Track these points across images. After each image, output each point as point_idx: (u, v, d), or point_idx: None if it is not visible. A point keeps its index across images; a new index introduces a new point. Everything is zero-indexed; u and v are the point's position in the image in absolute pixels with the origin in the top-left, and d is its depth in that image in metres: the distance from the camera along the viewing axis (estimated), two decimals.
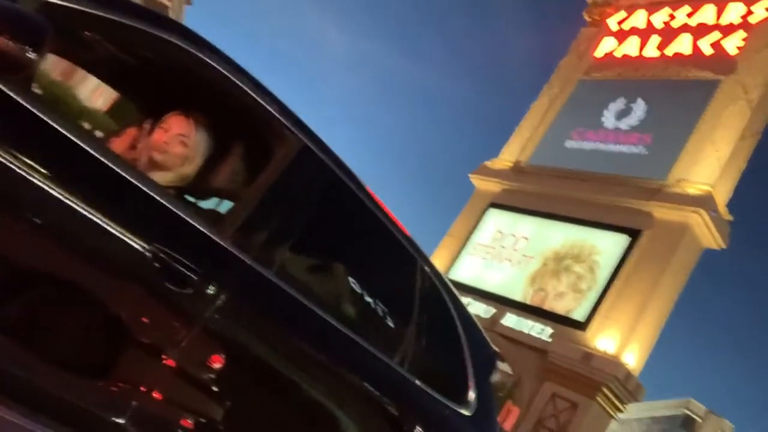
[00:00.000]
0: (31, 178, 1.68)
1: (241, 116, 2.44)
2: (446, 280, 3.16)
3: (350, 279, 2.84)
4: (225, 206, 2.60)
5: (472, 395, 3.05)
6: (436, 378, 2.94)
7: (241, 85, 2.27)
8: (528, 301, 22.94)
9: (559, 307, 22.28)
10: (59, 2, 1.82)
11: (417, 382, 2.76)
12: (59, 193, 1.73)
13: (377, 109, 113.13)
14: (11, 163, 1.64)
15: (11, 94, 1.66)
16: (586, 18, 30.16)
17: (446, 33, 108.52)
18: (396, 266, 2.95)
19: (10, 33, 1.56)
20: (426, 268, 2.98)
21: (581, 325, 21.31)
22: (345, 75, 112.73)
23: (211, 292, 2.00)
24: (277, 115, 2.37)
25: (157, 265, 1.89)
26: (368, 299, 2.78)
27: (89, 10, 1.92)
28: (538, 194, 24.71)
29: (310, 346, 2.39)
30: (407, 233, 2.91)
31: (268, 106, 2.35)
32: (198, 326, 1.99)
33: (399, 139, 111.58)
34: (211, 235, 2.06)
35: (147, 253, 1.88)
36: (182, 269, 1.94)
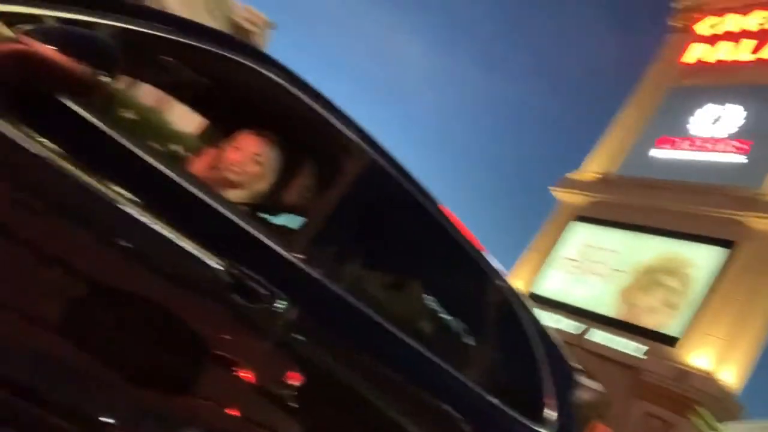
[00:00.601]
0: (107, 197, 1.77)
1: (311, 132, 2.49)
2: (520, 294, 3.10)
3: (429, 296, 2.84)
4: (296, 222, 2.65)
5: (550, 413, 2.97)
6: (513, 395, 2.88)
7: (309, 101, 2.32)
8: (618, 317, 22.24)
9: (652, 322, 21.51)
10: (133, 27, 1.92)
11: (492, 399, 2.71)
12: (134, 211, 1.81)
13: (458, 122, 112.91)
14: (87, 181, 1.74)
15: (87, 115, 1.76)
16: (673, 24, 29.22)
17: (527, 44, 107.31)
18: (468, 281, 2.92)
19: (82, 57, 1.65)
20: (499, 282, 2.93)
21: (675, 341, 20.50)
22: (425, 90, 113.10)
23: (282, 307, 2.04)
24: (345, 131, 2.41)
25: (229, 280, 1.95)
26: (442, 315, 2.77)
27: (162, 35, 2.00)
28: (627, 206, 23.99)
29: (383, 363, 2.39)
30: (480, 247, 2.88)
31: (336, 122, 2.39)
32: (269, 342, 2.03)
33: (479, 152, 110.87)
34: (282, 251, 2.10)
35: (220, 269, 1.94)
36: (254, 285, 1.99)
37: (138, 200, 1.82)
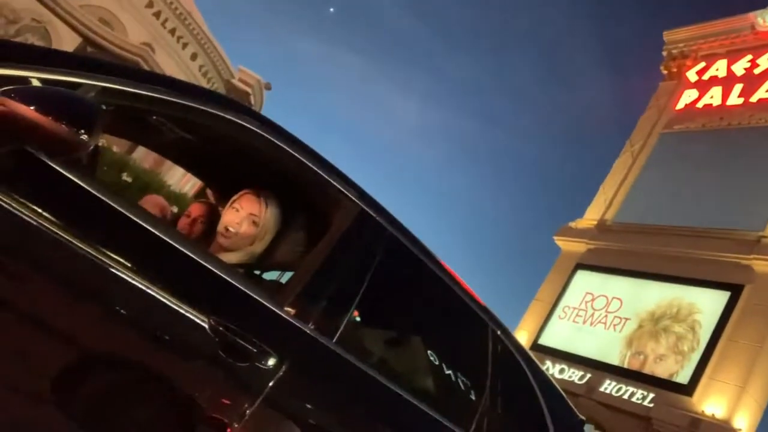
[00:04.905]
0: (93, 258, 1.73)
1: (302, 188, 2.47)
2: (522, 345, 3.04)
3: (424, 349, 2.78)
4: (287, 276, 2.61)
5: None
6: None
7: (300, 157, 2.31)
8: (626, 366, 21.89)
9: (661, 370, 21.15)
10: (118, 87, 1.91)
11: None
12: (121, 272, 1.77)
13: (452, 175, 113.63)
14: (72, 243, 1.70)
15: (67, 174, 1.74)
16: (664, 71, 29.69)
17: (520, 95, 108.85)
18: (467, 333, 2.86)
19: (62, 116, 1.64)
20: (500, 334, 2.88)
21: (686, 389, 20.11)
22: (420, 144, 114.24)
23: (272, 364, 1.99)
24: (338, 186, 2.39)
25: (216, 339, 1.90)
26: (445, 371, 2.70)
27: (150, 94, 2.00)
28: (628, 252, 23.89)
29: (381, 421, 2.32)
30: (477, 298, 2.83)
31: (328, 177, 2.37)
32: (260, 399, 1.97)
33: (476, 204, 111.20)
34: (271, 307, 2.06)
35: (206, 328, 1.89)
36: (242, 342, 1.94)
37: (121, 259, 1.79)
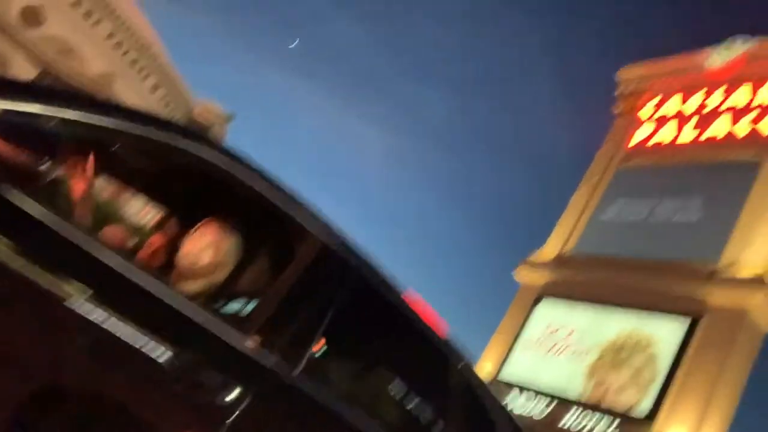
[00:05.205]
0: (52, 289, 1.70)
1: (263, 217, 2.47)
2: (483, 380, 3.05)
3: (387, 381, 2.77)
4: (250, 307, 2.59)
5: None
6: None
7: (258, 185, 2.30)
8: (588, 397, 22.01)
9: (622, 401, 21.30)
10: (78, 117, 1.89)
11: None
12: (80, 303, 1.74)
13: (416, 205, 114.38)
14: (31, 274, 1.67)
15: (27, 204, 1.72)
16: (617, 108, 30.47)
17: (482, 128, 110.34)
18: (429, 366, 2.86)
19: (21, 146, 1.62)
20: (461, 367, 2.88)
21: (647, 420, 20.28)
22: (384, 172, 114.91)
23: (235, 395, 1.96)
24: (301, 217, 2.39)
25: (177, 371, 1.87)
26: (407, 402, 2.70)
27: (110, 123, 1.98)
28: (587, 284, 24.18)
29: None
30: (443, 333, 2.83)
31: (291, 208, 2.37)
32: (224, 430, 1.94)
33: (440, 232, 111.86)
34: (233, 338, 2.04)
35: (167, 360, 1.86)
36: (204, 374, 1.91)
37: (80, 291, 1.76)
